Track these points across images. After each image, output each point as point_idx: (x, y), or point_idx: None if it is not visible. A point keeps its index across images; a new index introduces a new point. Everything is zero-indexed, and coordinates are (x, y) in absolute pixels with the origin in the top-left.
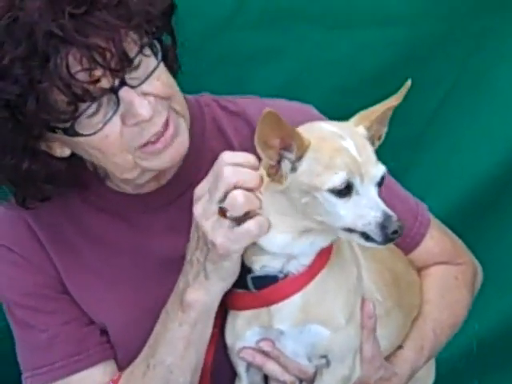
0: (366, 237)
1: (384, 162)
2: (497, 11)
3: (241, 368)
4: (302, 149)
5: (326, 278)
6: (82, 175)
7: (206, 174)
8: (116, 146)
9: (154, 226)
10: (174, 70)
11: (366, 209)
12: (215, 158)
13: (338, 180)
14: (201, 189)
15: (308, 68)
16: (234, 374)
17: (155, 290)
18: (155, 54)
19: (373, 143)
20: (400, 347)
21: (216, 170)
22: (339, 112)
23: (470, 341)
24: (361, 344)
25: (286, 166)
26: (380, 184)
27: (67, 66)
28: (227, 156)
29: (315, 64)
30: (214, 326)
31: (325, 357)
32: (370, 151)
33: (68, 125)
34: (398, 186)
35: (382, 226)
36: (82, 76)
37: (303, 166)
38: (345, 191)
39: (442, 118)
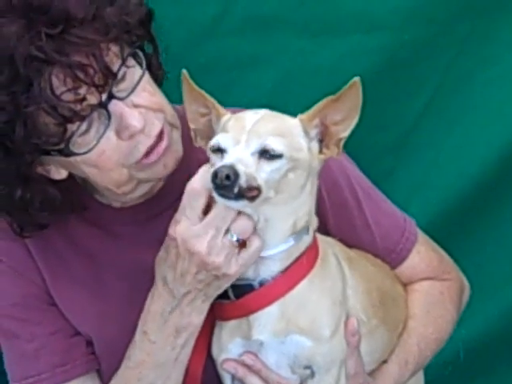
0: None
1: (367, 168)
2: (480, 16)
3: (226, 379)
4: (219, 116)
5: (305, 288)
6: (77, 196)
7: None
8: (113, 161)
9: (141, 239)
10: (159, 78)
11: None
12: None
13: (214, 140)
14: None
15: (292, 75)
16: None
17: (142, 304)
18: (139, 64)
19: (322, 141)
20: (384, 362)
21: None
22: None
23: (457, 347)
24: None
25: None
26: (268, 156)
27: (51, 88)
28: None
29: (299, 71)
30: (203, 337)
31: (309, 367)
32: (269, 128)
33: (62, 146)
34: (385, 202)
35: (214, 174)
36: (67, 96)
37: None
38: (216, 149)
39: (425, 124)
